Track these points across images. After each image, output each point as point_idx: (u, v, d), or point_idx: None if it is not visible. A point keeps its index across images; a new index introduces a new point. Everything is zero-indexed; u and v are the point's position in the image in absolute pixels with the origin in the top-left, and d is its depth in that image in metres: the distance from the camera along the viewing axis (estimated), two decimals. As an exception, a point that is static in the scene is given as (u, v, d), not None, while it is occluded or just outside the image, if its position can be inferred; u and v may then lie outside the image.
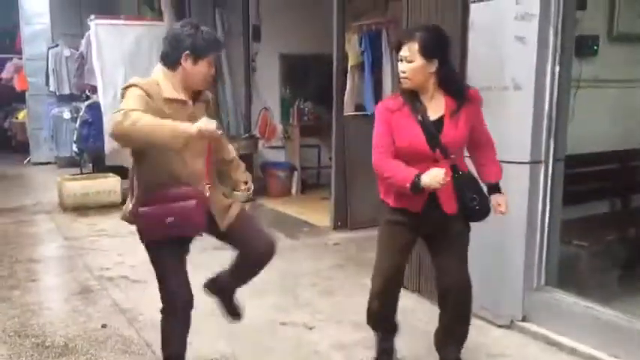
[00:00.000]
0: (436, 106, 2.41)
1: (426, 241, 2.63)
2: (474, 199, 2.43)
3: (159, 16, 7.31)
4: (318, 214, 5.87)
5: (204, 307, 3.57)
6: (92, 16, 6.98)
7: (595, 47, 3.78)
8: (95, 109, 7.10)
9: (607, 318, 2.90)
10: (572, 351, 2.92)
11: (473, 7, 3.22)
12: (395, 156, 2.42)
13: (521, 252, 3.16)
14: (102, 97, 7.03)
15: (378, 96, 5.13)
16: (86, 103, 7.38)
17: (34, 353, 3.01)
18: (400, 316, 3.46)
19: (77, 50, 8.17)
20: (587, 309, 2.99)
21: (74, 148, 7.43)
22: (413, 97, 2.41)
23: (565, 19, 3.03)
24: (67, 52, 8.88)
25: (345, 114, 5.31)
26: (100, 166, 7.45)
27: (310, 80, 7.15)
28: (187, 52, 2.26)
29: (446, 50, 2.40)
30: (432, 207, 2.43)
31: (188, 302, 2.56)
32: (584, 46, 3.72)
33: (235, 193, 2.76)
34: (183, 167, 2.32)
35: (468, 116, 2.43)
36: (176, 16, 7.10)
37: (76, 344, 3.10)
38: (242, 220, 2.56)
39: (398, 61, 2.41)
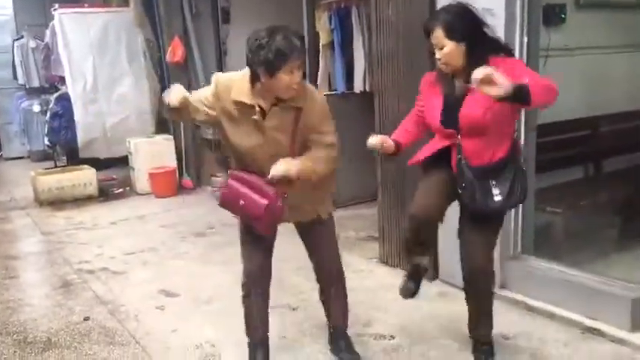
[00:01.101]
0: (466, 83, 2.25)
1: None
2: (462, 187, 2.32)
3: (124, 2, 7.15)
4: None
5: (187, 295, 3.60)
6: (56, 5, 6.81)
7: (563, 15, 3.80)
8: (65, 100, 6.96)
9: (582, 281, 2.97)
10: (550, 315, 2.99)
11: (440, -20, 3.21)
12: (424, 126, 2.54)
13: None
14: (71, 88, 6.89)
15: (350, 75, 5.10)
16: (55, 94, 7.23)
17: (17, 350, 2.98)
18: (381, 293, 3.53)
19: (43, 41, 7.98)
20: (562, 274, 3.06)
21: (46, 141, 7.29)
22: (447, 75, 2.36)
23: (531, -11, 3.04)
24: (32, 44, 8.68)
25: (320, 94, 5.28)
26: (74, 158, 7.34)
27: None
28: (261, 68, 2.15)
29: (472, 27, 2.27)
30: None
31: (259, 277, 2.55)
32: (552, 15, 3.74)
33: None
34: (258, 167, 2.32)
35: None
36: (143, 0, 6.96)
37: (59, 338, 3.08)
38: (322, 231, 2.58)
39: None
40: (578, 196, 3.68)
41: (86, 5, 7.08)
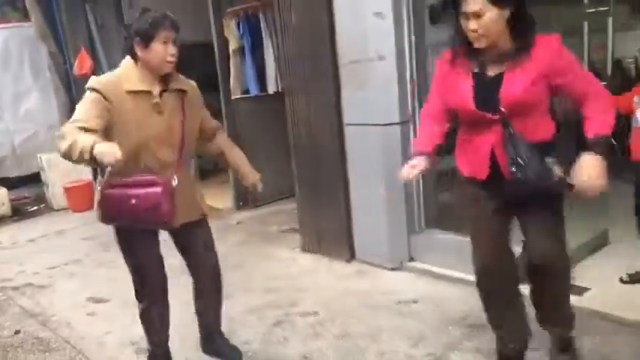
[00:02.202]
0: (500, 60, 2.06)
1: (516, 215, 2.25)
2: (513, 164, 2.03)
3: (25, 16, 6.98)
4: (221, 197, 6.02)
5: (115, 300, 3.69)
6: (-50, 22, 6.55)
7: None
8: (-33, 120, 6.71)
9: (476, 247, 3.39)
10: (452, 279, 3.40)
11: (335, -13, 3.54)
12: (449, 117, 2.25)
13: (401, 201, 3.58)
14: (-27, 107, 6.66)
15: (261, 78, 5.34)
16: (-44, 115, 6.92)
17: (-53, 369, 2.99)
18: (304, 277, 3.80)
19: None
20: (461, 242, 3.46)
21: (-51, 163, 6.97)
22: (473, 50, 2.08)
23: (415, -8, 3.43)
24: None
25: (233, 97, 5.49)
26: (-19, 179, 7.05)
27: (197, 68, 7.14)
28: (136, 38, 2.28)
29: None
30: (496, 174, 2.12)
31: (162, 285, 2.59)
32: (436, 14, 4.17)
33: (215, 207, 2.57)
34: (151, 157, 2.33)
35: (534, 69, 2.01)
36: (44, 13, 6.83)
37: (-9, 353, 3.11)
38: (198, 230, 2.58)
39: (463, 19, 2.01)
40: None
41: (-17, 21, 6.85)
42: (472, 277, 3.27)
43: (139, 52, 2.30)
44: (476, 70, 2.10)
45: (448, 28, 4.11)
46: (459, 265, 3.41)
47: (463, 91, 2.11)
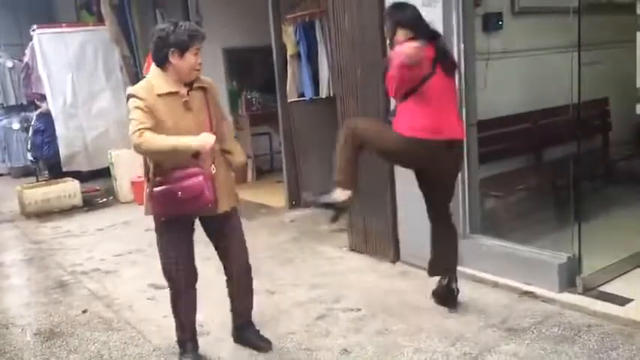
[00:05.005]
0: None
1: None
2: None
3: (99, 20, 7.48)
4: (274, 196, 6.26)
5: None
6: (34, 26, 7.11)
7: (500, 22, 4.27)
8: (46, 116, 7.27)
9: (519, 253, 3.44)
10: (495, 284, 3.45)
11: (386, -4, 3.66)
12: None
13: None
14: (52, 105, 7.22)
15: (316, 83, 5.52)
16: (37, 112, 7.51)
17: (27, 339, 3.32)
18: (350, 275, 3.93)
19: (20, 61, 8.26)
20: (503, 248, 3.53)
21: (29, 156, 7.57)
22: None
23: (465, 3, 3.50)
24: (9, 64, 8.91)
25: (289, 101, 5.70)
26: (55, 172, 7.60)
27: (255, 71, 7.49)
28: (172, 48, 2.53)
29: None
30: None
31: (188, 274, 2.83)
32: (491, 22, 4.21)
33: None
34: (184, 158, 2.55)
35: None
36: (117, 18, 7.30)
37: (62, 329, 3.42)
38: (234, 223, 2.83)
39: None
40: (518, 182, 4.14)
41: (64, 25, 7.39)
42: (516, 284, 3.35)
43: (173, 60, 2.55)
44: None
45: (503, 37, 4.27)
46: (502, 270, 3.47)
47: None
